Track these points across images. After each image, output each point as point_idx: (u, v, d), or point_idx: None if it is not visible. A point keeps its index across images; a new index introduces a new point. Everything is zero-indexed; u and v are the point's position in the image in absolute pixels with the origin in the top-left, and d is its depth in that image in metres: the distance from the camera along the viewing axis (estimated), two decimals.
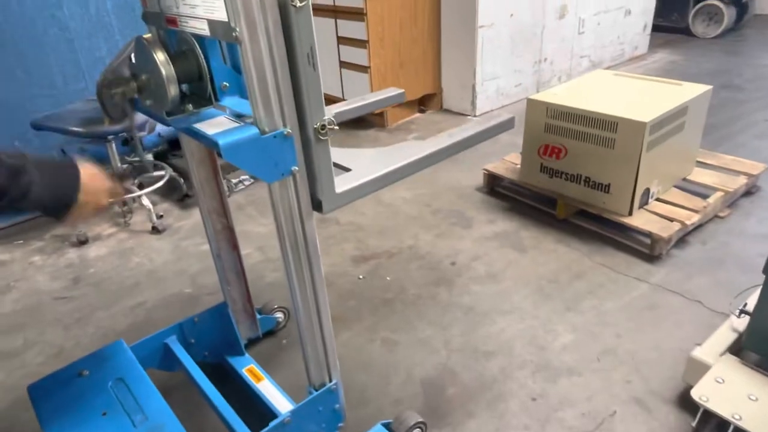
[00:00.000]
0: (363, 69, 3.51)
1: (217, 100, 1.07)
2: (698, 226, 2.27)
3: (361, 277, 2.18)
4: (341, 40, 3.58)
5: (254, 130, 0.93)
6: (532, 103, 2.40)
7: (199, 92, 1.08)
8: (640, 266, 2.12)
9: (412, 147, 1.24)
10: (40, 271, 2.39)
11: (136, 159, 2.96)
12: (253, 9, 0.83)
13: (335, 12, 3.50)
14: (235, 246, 1.61)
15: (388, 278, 2.16)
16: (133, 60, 1.07)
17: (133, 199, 2.68)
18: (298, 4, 0.84)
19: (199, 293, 2.15)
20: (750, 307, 1.53)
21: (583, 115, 2.22)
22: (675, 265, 2.11)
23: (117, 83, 1.04)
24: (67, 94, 2.87)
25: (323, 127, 0.96)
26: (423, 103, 3.99)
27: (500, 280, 2.10)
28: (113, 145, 2.58)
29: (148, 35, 1.05)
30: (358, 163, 1.18)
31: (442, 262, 2.24)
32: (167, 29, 1.08)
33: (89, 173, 0.98)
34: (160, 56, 0.97)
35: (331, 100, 4.00)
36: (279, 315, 1.91)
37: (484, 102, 3.84)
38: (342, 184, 1.09)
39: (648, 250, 2.16)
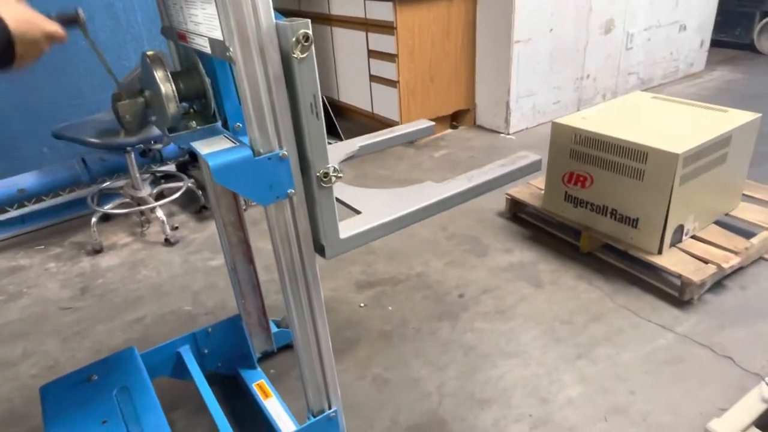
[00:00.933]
0: (392, 83, 3.43)
1: (220, 118, 1.07)
2: (739, 269, 2.04)
3: (362, 305, 2.08)
4: (372, 54, 3.51)
5: (247, 152, 0.91)
6: (557, 127, 2.24)
7: (204, 110, 1.08)
8: (667, 312, 1.92)
9: (429, 189, 1.19)
10: (53, 278, 2.42)
11: (158, 170, 2.98)
12: (247, 28, 0.82)
13: (366, 25, 3.44)
14: (250, 260, 1.60)
15: (390, 308, 2.05)
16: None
17: (152, 210, 2.70)
18: (300, 56, 0.85)
19: (197, 312, 2.11)
20: None
21: (611, 143, 2.04)
22: (707, 312, 1.90)
23: (126, 97, 1.04)
24: (95, 103, 2.92)
25: (326, 174, 0.95)
26: (455, 119, 3.86)
27: (509, 317, 1.95)
28: (132, 155, 2.60)
29: (151, 51, 1.04)
30: (370, 205, 1.14)
31: (450, 293, 2.11)
32: (180, 45, 1.09)
33: (17, 17, 0.83)
34: (159, 73, 0.98)
35: (361, 114, 3.96)
36: None
37: (519, 119, 3.67)
38: (348, 228, 1.05)
39: (677, 293, 1.95)
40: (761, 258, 2.13)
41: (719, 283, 2.00)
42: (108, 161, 2.79)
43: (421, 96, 3.52)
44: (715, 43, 4.89)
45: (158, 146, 2.58)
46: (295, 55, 0.84)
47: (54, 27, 0.90)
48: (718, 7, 4.60)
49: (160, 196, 2.79)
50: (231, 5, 0.80)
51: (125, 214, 2.87)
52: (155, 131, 2.49)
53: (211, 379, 1.52)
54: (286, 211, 0.97)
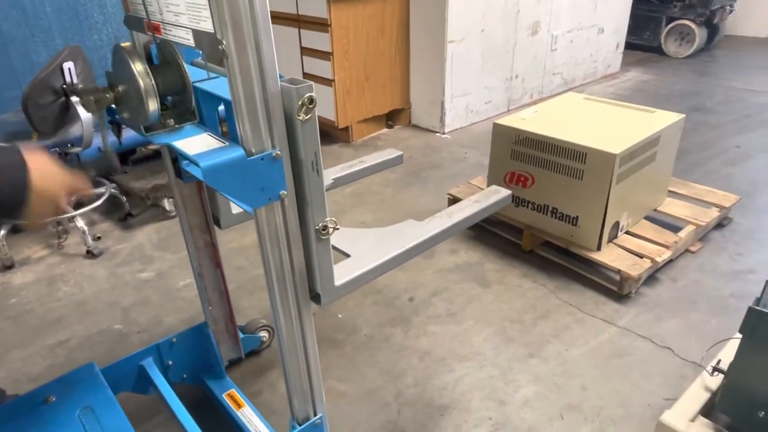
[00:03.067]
0: (327, 82, 3.35)
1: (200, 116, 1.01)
2: (669, 262, 2.16)
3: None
4: (305, 51, 3.41)
5: (240, 151, 0.85)
6: (498, 128, 2.27)
7: (182, 105, 1.01)
8: (608, 306, 1.99)
9: (412, 229, 1.23)
10: None
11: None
12: (242, 19, 0.77)
13: (299, 21, 3.33)
14: (218, 264, 1.53)
15: (340, 315, 1.99)
16: (110, 68, 0.99)
17: (69, 219, 2.46)
18: (303, 118, 0.85)
19: (129, 330, 1.94)
20: (724, 365, 1.40)
21: (551, 144, 2.09)
22: (644, 305, 1.99)
23: (90, 92, 0.95)
24: (0, 103, 2.63)
25: (324, 227, 0.96)
26: (391, 119, 3.84)
27: (461, 319, 1.95)
28: None
29: (126, 43, 0.95)
30: (358, 247, 1.15)
31: (400, 297, 2.08)
32: (152, 36, 1.01)
33: (41, 169, 0.86)
34: (138, 66, 0.90)
35: None
36: (263, 334, 1.81)
37: (453, 119, 3.70)
38: (341, 274, 1.05)
39: (617, 288, 2.03)
40: (687, 250, 2.27)
41: (653, 276, 2.11)
42: None
43: (356, 95, 3.46)
44: (628, 46, 5.19)
45: (76, 149, 2.36)
46: (300, 118, 0.85)
47: (78, 181, 0.93)
48: (630, 12, 4.89)
49: (78, 204, 2.55)
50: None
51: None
52: (73, 133, 2.28)
53: (175, 392, 1.40)
54: (277, 213, 0.92)
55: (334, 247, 1.07)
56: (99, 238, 2.54)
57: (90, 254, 2.40)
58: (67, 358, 1.83)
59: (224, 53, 0.79)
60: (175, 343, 1.56)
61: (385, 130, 3.82)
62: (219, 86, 0.98)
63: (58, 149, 2.30)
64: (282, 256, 0.96)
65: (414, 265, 2.26)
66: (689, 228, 2.24)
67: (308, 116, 0.86)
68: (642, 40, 5.75)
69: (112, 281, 2.23)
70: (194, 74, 1.04)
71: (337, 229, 0.98)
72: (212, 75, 1.04)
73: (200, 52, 1.14)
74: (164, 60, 1.01)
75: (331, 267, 1.02)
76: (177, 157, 1.27)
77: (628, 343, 1.81)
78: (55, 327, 1.98)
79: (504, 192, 1.40)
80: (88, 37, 2.82)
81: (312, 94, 0.85)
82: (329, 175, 1.54)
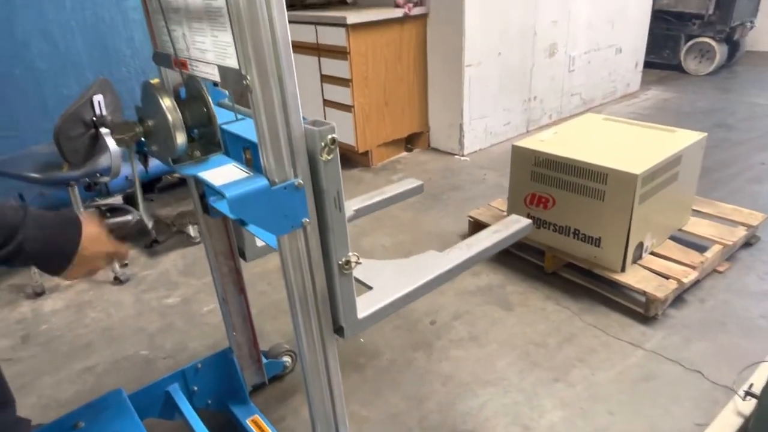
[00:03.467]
0: (347, 108, 3.40)
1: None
2: (696, 282, 2.11)
3: None
4: (325, 79, 3.48)
5: (263, 182, 0.87)
6: (517, 150, 2.27)
7: (208, 137, 1.05)
8: (634, 328, 1.95)
9: (433, 260, 1.25)
10: None
11: (104, 203, 2.81)
12: (265, 57, 0.80)
13: (318, 50, 3.41)
14: (242, 289, 1.56)
15: (362, 339, 1.99)
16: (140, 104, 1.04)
17: None
18: (326, 158, 0.88)
19: (155, 356, 1.97)
20: (756, 389, 1.36)
21: (571, 165, 2.09)
22: (672, 327, 1.95)
23: (121, 127, 1.00)
24: (33, 135, 2.73)
25: (347, 262, 0.98)
26: (410, 142, 3.88)
27: (483, 343, 1.93)
28: (75, 189, 2.43)
29: (155, 80, 1.01)
30: (380, 279, 1.17)
31: (421, 321, 2.07)
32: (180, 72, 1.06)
33: (91, 235, 0.96)
34: (167, 102, 0.95)
35: None
36: (286, 359, 1.82)
37: (472, 141, 3.72)
38: (364, 306, 1.06)
39: (643, 309, 2.00)
40: (714, 270, 2.22)
41: (680, 297, 2.07)
42: (48, 196, 2.61)
43: (376, 120, 3.51)
44: (647, 64, 5.18)
45: (105, 179, 2.43)
46: (323, 158, 0.88)
47: (119, 248, 1.02)
48: (648, 31, 4.89)
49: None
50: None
51: None
52: (101, 163, 2.35)
53: (201, 418, 1.42)
54: (300, 240, 0.94)
55: (356, 279, 1.09)
56: (126, 264, 2.59)
57: (117, 281, 2.45)
58: (95, 384, 1.86)
59: (248, 88, 0.82)
60: (200, 369, 1.58)
61: (405, 153, 3.85)
62: (245, 128, 1.02)
63: (87, 179, 2.37)
64: (305, 286, 0.98)
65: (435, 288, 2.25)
66: (716, 248, 2.20)
67: (330, 156, 0.89)
68: (661, 58, 5.73)
69: (138, 307, 2.28)
70: (221, 116, 1.08)
71: (360, 263, 0.99)
72: (239, 116, 1.08)
73: (226, 92, 1.18)
74: (191, 95, 1.05)
75: (354, 301, 1.03)
76: (204, 192, 1.31)
77: (656, 367, 1.77)
78: (83, 353, 2.02)
79: (524, 221, 1.40)
80: (116, 69, 2.92)
81: (334, 135, 0.88)
82: (351, 206, 1.56)
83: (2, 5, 2.52)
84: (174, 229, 2.75)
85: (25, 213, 0.90)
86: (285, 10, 0.80)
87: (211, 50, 0.91)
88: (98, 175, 2.35)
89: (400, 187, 1.66)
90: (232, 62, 0.85)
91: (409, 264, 1.22)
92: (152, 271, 2.54)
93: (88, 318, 2.23)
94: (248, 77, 0.81)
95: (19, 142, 2.66)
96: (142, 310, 2.25)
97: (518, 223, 1.40)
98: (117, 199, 2.96)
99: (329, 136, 0.87)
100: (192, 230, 2.73)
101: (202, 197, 1.33)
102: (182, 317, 2.18)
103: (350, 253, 0.97)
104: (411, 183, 1.69)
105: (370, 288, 1.13)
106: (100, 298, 2.36)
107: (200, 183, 1.27)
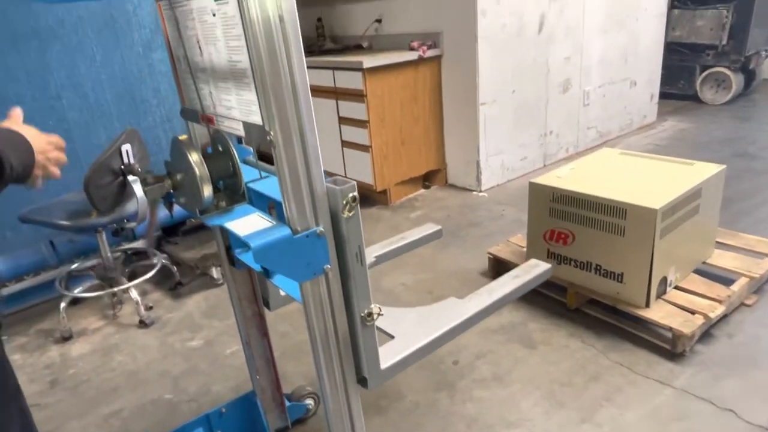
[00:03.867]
0: (365, 148, 3.47)
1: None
2: (723, 316, 2.07)
3: None
4: (342, 120, 3.56)
5: (286, 231, 0.92)
6: (534, 187, 2.29)
7: (232, 188, 1.10)
8: (662, 366, 1.91)
9: (454, 307, 1.27)
10: (19, 371, 2.25)
11: (129, 247, 2.88)
12: (287, 113, 0.85)
13: (336, 93, 3.51)
14: (265, 333, 1.58)
15: None
16: (169, 159, 1.11)
17: (124, 290, 2.58)
18: (347, 215, 0.93)
19: (179, 400, 1.99)
20: None
21: (590, 201, 2.09)
22: (701, 364, 1.90)
23: (152, 181, 1.07)
24: (64, 183, 2.83)
25: (369, 314, 1.00)
26: (428, 179, 3.92)
27: (507, 383, 1.91)
28: (103, 235, 2.50)
29: (183, 136, 1.08)
30: (401, 328, 1.19)
31: (444, 361, 2.06)
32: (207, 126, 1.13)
33: (31, 134, 0.97)
34: (194, 157, 1.00)
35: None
36: (309, 402, 1.82)
37: (489, 177, 3.75)
38: (387, 356, 1.08)
39: (669, 346, 1.96)
40: (742, 304, 2.18)
41: (707, 332, 2.02)
42: (77, 242, 2.68)
43: (393, 159, 3.57)
44: (663, 95, 5.20)
45: (131, 224, 2.50)
46: (344, 215, 0.93)
47: (54, 137, 1.02)
48: (662, 63, 4.92)
49: (132, 275, 2.68)
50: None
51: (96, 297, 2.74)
52: (128, 209, 2.42)
53: None
54: (322, 286, 0.97)
55: (378, 328, 1.11)
56: (151, 307, 2.64)
57: (143, 324, 2.49)
58: (122, 429, 1.88)
59: (272, 143, 0.87)
60: (224, 413, 1.59)
61: (423, 190, 3.89)
62: (269, 185, 1.06)
63: (115, 225, 2.44)
64: (328, 335, 1.00)
65: None
66: (742, 280, 2.16)
67: (351, 213, 0.93)
68: (677, 89, 5.75)
69: (163, 350, 2.31)
70: (246, 173, 1.12)
71: (381, 314, 1.02)
72: (263, 174, 1.13)
73: (251, 150, 1.24)
74: (217, 148, 1.10)
75: (377, 351, 1.05)
76: (230, 245, 1.35)
77: (687, 406, 1.73)
78: (109, 397, 2.04)
79: (544, 266, 1.42)
80: (143, 118, 3.04)
81: (354, 193, 0.92)
82: (371, 252, 1.60)
83: (38, 64, 2.66)
84: (197, 272, 2.80)
85: None
86: (306, 71, 0.85)
87: (236, 107, 0.96)
88: (125, 220, 2.42)
89: (419, 233, 1.70)
90: (257, 119, 0.89)
91: (431, 312, 1.24)
92: (176, 314, 2.58)
93: (114, 362, 2.26)
94: (271, 133, 0.86)
95: (51, 191, 2.76)
96: (167, 353, 2.28)
97: (538, 267, 1.41)
98: (142, 243, 3.04)
99: (350, 194, 0.91)
100: (215, 272, 2.77)
101: (228, 249, 1.37)
102: (206, 359, 2.20)
103: (372, 305, 1.00)
104: (430, 228, 1.73)
105: (392, 337, 1.15)
106: (126, 342, 2.40)
107: (226, 234, 1.32)
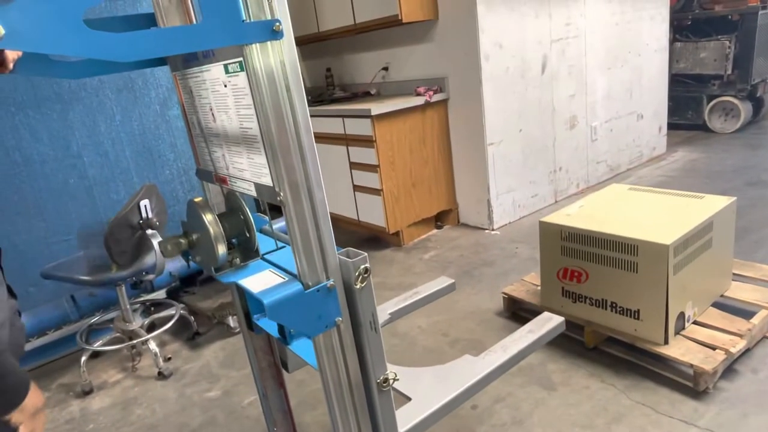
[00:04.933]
0: (376, 192, 3.53)
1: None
2: (746, 351, 2.03)
3: None
4: (353, 166, 3.64)
5: (298, 286, 0.94)
6: (544, 226, 2.31)
7: (246, 245, 1.15)
8: (685, 404, 1.87)
9: (469, 365, 1.30)
10: None
11: (148, 299, 2.93)
12: (296, 174, 0.89)
13: (346, 140, 3.59)
14: (281, 384, 1.59)
15: None
16: (186, 219, 1.15)
17: (143, 342, 2.61)
18: (360, 286, 0.97)
19: None
20: None
21: (600, 238, 2.10)
22: (726, 401, 1.86)
23: (169, 241, 1.10)
24: (86, 238, 2.92)
25: (385, 380, 1.03)
26: (439, 219, 3.95)
27: (528, 427, 1.88)
28: (123, 288, 2.56)
29: (198, 198, 1.12)
30: (418, 389, 1.21)
31: (463, 406, 2.03)
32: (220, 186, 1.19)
33: (33, 389, 0.98)
34: (209, 217, 1.04)
35: (348, 222, 4.02)
36: None
37: (500, 215, 3.77)
38: (404, 420, 1.10)
39: (692, 383, 1.92)
40: (765, 337, 2.14)
41: (730, 368, 1.98)
42: (98, 296, 2.74)
43: (404, 201, 3.61)
44: (672, 126, 5.23)
45: (150, 277, 2.56)
46: (357, 286, 0.97)
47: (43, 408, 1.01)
48: (669, 94, 4.97)
49: (151, 326, 2.72)
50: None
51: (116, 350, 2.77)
52: (147, 262, 2.48)
53: None
54: (334, 338, 1.00)
55: (395, 389, 1.12)
56: (170, 358, 2.66)
57: (161, 375, 2.51)
58: None
59: (282, 203, 0.91)
60: None
61: (435, 231, 3.91)
62: (285, 257, 1.10)
63: (134, 278, 2.50)
64: (345, 400, 1.02)
65: None
66: (763, 313, 2.12)
67: (364, 284, 0.97)
68: (685, 119, 5.78)
69: (181, 402, 2.31)
70: (263, 244, 1.17)
71: (397, 379, 1.03)
72: (279, 245, 1.17)
73: (267, 219, 1.28)
74: (230, 207, 1.15)
75: (394, 416, 1.06)
76: (249, 310, 1.39)
77: None
78: None
79: (557, 319, 1.44)
80: (160, 173, 3.14)
81: (366, 265, 0.97)
82: (385, 310, 1.63)
83: (61, 125, 2.79)
84: (214, 321, 2.83)
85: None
86: (312, 135, 0.90)
87: (247, 169, 1.01)
88: (144, 273, 2.47)
89: (432, 287, 1.74)
90: (267, 180, 0.94)
91: (446, 371, 1.27)
92: (194, 364, 2.59)
93: (133, 415, 2.27)
94: (281, 193, 0.90)
95: (73, 245, 2.84)
96: (185, 405, 2.28)
97: (551, 321, 1.44)
98: (161, 294, 3.09)
99: (362, 266, 0.96)
100: (232, 321, 2.80)
101: (247, 315, 1.40)
102: (223, 411, 2.20)
103: (387, 372, 1.02)
104: (443, 282, 1.77)
105: (409, 399, 1.17)
106: (145, 395, 2.41)
107: (243, 297, 1.35)
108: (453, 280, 1.78)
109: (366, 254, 0.96)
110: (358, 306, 0.98)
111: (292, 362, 1.50)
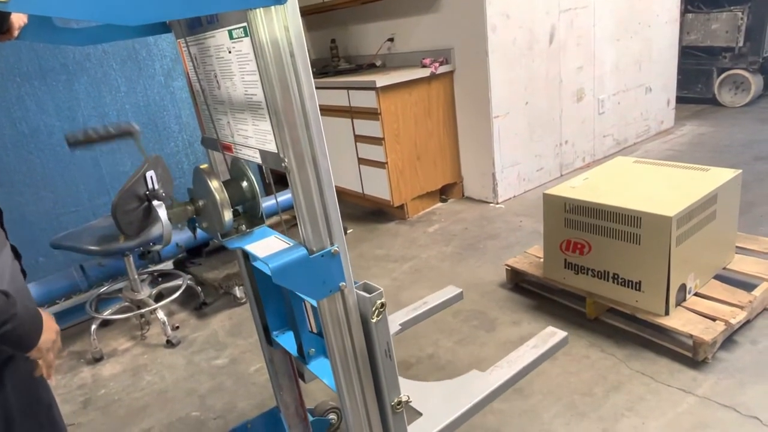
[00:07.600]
0: (381, 165, 3.53)
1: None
2: (746, 322, 2.05)
3: None
4: (358, 138, 3.63)
5: (303, 251, 0.96)
6: (548, 198, 2.31)
7: (252, 212, 1.17)
8: (684, 374, 1.90)
9: (477, 380, 1.37)
10: (54, 392, 2.32)
11: (155, 269, 2.97)
12: (300, 141, 0.91)
13: (351, 112, 3.58)
14: (287, 350, 1.59)
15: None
16: (192, 186, 1.18)
17: (151, 311, 2.66)
18: (376, 320, 1.01)
19: (206, 417, 2.04)
20: None
21: (604, 210, 2.10)
22: (724, 371, 1.89)
23: (176, 207, 1.14)
24: (92, 209, 2.95)
25: (399, 403, 1.08)
26: (444, 193, 3.96)
27: (528, 394, 1.92)
28: (131, 258, 2.59)
29: (204, 165, 1.14)
30: (428, 405, 1.28)
31: (464, 373, 2.07)
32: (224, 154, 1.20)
33: (48, 324, 1.04)
34: (215, 184, 1.06)
35: (352, 195, 4.03)
36: (332, 417, 1.86)
37: (505, 188, 3.77)
38: None
39: (691, 353, 1.95)
40: (765, 309, 2.15)
41: (730, 338, 2.01)
42: (106, 266, 2.78)
43: (409, 174, 3.61)
44: (680, 100, 5.16)
45: (157, 247, 2.59)
46: (373, 320, 1.01)
47: (58, 342, 1.09)
48: (678, 67, 4.90)
49: (159, 296, 2.77)
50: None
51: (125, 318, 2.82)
52: (154, 233, 2.51)
53: None
54: (338, 302, 1.02)
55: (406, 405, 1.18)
56: (177, 327, 2.71)
57: (169, 344, 2.56)
58: None
59: (287, 169, 0.92)
60: (249, 429, 1.63)
61: (440, 204, 3.92)
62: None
63: (141, 248, 2.53)
64: (362, 422, 1.07)
65: (476, 339, 2.26)
66: (764, 285, 2.14)
67: (380, 317, 1.00)
68: (695, 93, 5.70)
69: (189, 369, 2.37)
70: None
71: (410, 402, 1.09)
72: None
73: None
74: (235, 174, 1.16)
75: None
76: (267, 326, 1.42)
77: (710, 414, 1.71)
78: (139, 416, 2.11)
79: (561, 334, 1.51)
80: (166, 145, 3.15)
81: (382, 300, 1.00)
82: (395, 320, 1.69)
83: (67, 96, 2.79)
84: (221, 291, 2.87)
85: (15, 304, 0.96)
86: (316, 101, 0.90)
87: (252, 136, 1.02)
88: (151, 244, 2.50)
89: (441, 297, 1.82)
90: (272, 147, 0.95)
91: (455, 386, 1.34)
92: (201, 333, 2.65)
93: (143, 381, 2.33)
94: (286, 159, 0.91)
95: (81, 217, 2.88)
96: (194, 372, 2.34)
97: (555, 336, 1.50)
98: (168, 265, 3.13)
99: (378, 301, 0.99)
100: (238, 291, 2.84)
101: (266, 329, 1.44)
102: (231, 377, 2.26)
103: (401, 395, 1.07)
104: (451, 291, 1.85)
105: (420, 414, 1.23)
106: (154, 362, 2.47)
107: (251, 269, 1.37)
108: (460, 290, 1.87)
109: (382, 289, 1.00)
110: (374, 337, 1.02)
111: (309, 373, 1.51)
